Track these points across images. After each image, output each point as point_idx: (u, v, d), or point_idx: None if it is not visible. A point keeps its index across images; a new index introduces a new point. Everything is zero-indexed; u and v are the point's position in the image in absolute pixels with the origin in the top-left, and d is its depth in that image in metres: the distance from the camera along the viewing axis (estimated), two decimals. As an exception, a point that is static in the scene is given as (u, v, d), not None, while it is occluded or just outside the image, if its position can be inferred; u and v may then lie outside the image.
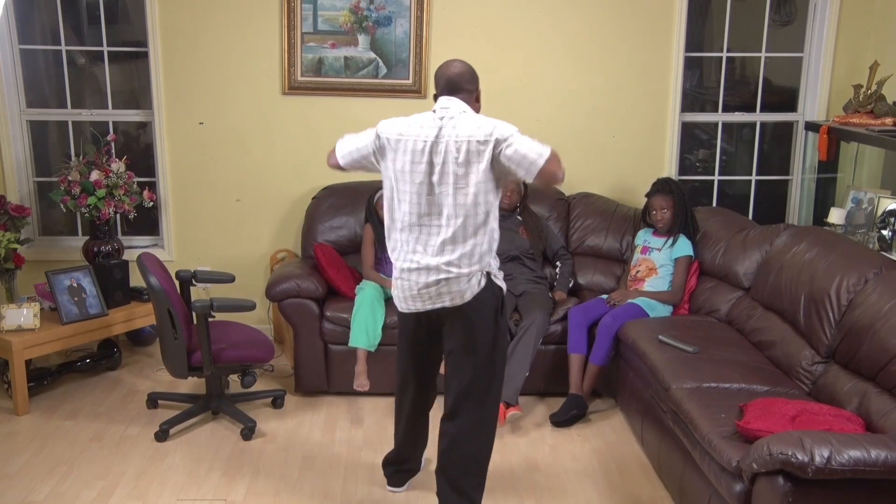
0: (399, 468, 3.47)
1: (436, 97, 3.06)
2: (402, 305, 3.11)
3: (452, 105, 2.97)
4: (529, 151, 2.82)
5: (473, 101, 3.05)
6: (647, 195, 4.45)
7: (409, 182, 2.95)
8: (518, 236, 4.54)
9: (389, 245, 3.08)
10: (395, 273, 3.07)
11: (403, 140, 2.97)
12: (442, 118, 2.94)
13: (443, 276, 2.94)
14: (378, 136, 3.06)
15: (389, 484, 3.48)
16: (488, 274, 3.01)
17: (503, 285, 3.12)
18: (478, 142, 2.86)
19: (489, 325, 3.03)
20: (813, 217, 4.96)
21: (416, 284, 2.99)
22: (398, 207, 3.01)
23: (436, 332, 3.12)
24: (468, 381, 3.04)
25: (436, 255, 2.95)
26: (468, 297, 2.97)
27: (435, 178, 2.92)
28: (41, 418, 4.05)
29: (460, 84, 3.01)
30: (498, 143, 2.84)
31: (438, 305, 3.00)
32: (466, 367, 3.04)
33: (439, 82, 3.04)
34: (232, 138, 4.89)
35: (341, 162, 3.21)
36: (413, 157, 2.94)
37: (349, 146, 3.18)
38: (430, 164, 2.92)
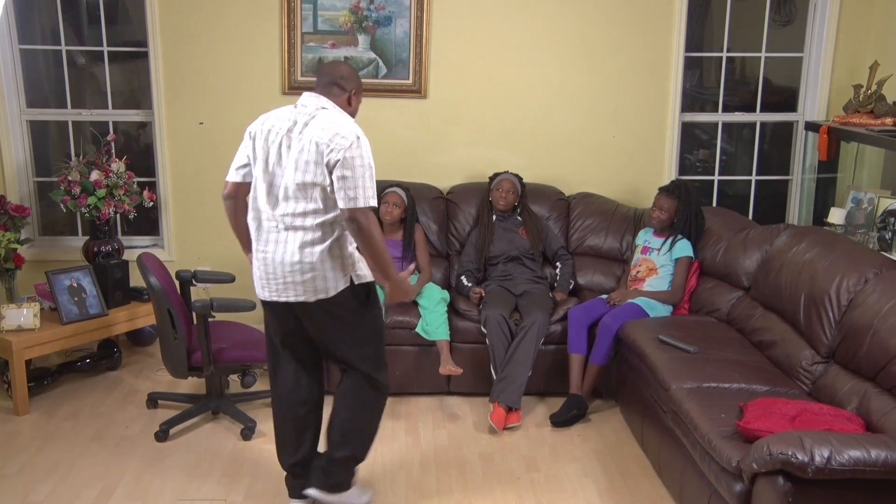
0: None
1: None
2: None
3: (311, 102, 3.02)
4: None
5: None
6: (659, 190, 4.44)
7: None
8: (518, 236, 4.54)
9: None
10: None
11: None
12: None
13: None
14: None
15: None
16: None
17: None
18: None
19: None
20: (813, 217, 4.96)
21: None
22: None
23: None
24: None
25: None
26: None
27: None
28: (41, 418, 4.05)
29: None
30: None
31: None
32: None
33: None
34: (232, 138, 4.85)
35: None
36: None
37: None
38: None
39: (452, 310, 4.33)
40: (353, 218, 2.86)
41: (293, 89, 4.80)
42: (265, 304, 3.12)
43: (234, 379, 4.27)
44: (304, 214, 2.92)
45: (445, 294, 4.37)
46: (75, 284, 4.27)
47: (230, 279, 4.14)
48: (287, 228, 2.94)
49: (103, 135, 4.86)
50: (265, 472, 3.60)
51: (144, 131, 5.13)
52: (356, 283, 3.03)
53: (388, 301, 3.15)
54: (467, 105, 4.91)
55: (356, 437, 3.22)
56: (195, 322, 3.73)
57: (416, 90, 4.84)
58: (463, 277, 4.47)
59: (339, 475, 3.22)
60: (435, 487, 3.51)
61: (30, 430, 3.94)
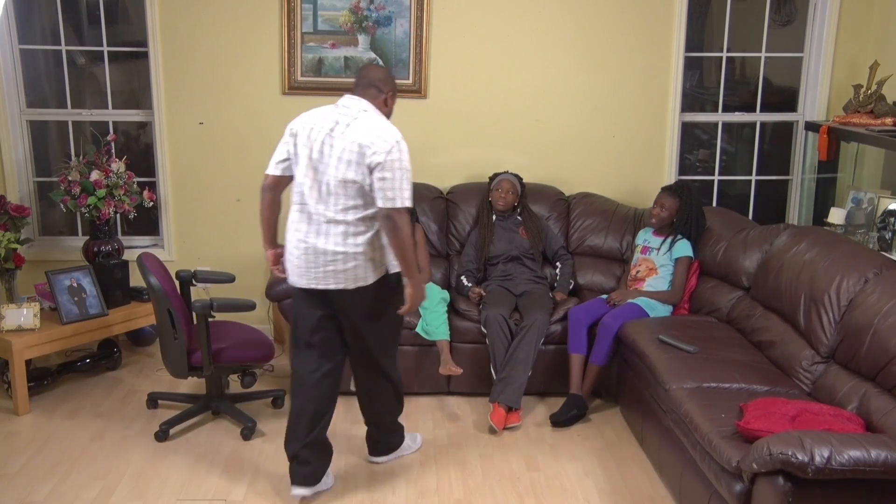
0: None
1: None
2: None
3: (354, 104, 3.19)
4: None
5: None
6: (662, 188, 4.46)
7: None
8: (518, 236, 4.54)
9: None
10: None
11: None
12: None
13: None
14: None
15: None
16: None
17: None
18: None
19: None
20: (813, 217, 4.96)
21: None
22: None
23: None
24: None
25: None
26: None
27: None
28: (41, 418, 4.05)
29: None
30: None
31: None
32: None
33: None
34: (232, 138, 4.88)
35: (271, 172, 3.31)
36: None
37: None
38: None
39: (452, 310, 4.33)
40: (390, 216, 3.05)
41: (293, 89, 4.80)
42: (300, 291, 3.29)
43: (234, 379, 4.27)
44: (346, 209, 3.11)
45: (445, 294, 4.37)
46: (75, 284, 4.27)
47: (230, 279, 4.14)
48: (329, 222, 3.12)
49: (103, 135, 4.87)
50: (265, 471, 3.60)
51: (144, 131, 5.13)
52: (390, 271, 3.25)
53: (407, 305, 3.29)
54: (467, 105, 4.91)
55: (388, 413, 3.62)
56: (195, 322, 3.73)
57: (416, 90, 4.83)
58: (463, 277, 4.47)
59: (391, 440, 3.68)
60: (435, 487, 3.51)
61: (30, 430, 3.94)
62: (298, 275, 3.22)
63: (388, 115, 3.25)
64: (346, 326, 3.31)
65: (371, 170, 3.04)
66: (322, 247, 3.13)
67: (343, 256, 3.12)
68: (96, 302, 4.31)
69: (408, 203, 3.08)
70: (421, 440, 3.84)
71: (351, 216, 3.11)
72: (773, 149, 5.34)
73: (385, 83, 3.24)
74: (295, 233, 3.20)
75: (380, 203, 3.05)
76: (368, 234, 3.14)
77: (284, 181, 3.29)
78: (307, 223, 3.16)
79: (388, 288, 3.26)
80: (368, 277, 3.17)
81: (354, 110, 3.15)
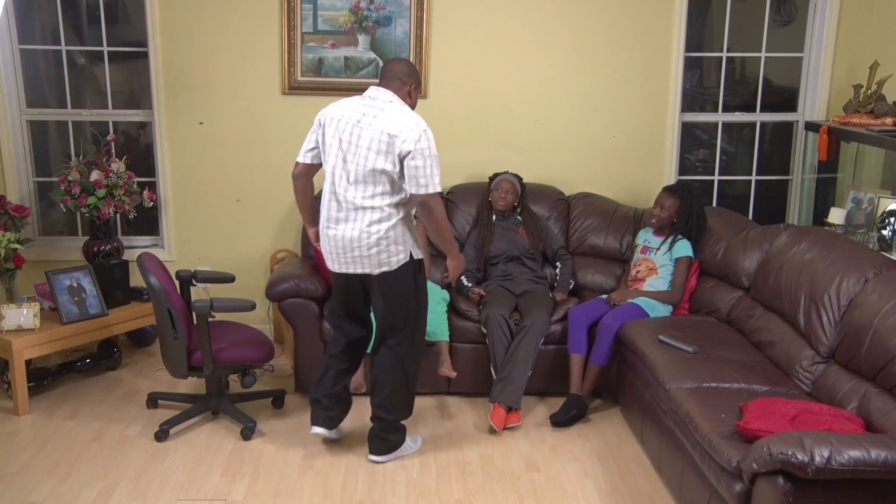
0: None
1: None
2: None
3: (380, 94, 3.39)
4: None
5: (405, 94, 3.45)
6: (663, 189, 4.46)
7: None
8: (518, 236, 4.54)
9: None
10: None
11: None
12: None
13: None
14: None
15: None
16: None
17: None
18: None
19: None
20: (813, 217, 4.96)
21: None
22: None
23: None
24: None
25: None
26: None
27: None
28: (41, 418, 4.05)
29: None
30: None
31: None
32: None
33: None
34: (232, 138, 4.89)
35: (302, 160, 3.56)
36: None
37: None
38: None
39: (452, 310, 4.33)
40: (424, 203, 3.28)
41: (293, 89, 4.80)
42: (334, 274, 3.55)
43: (234, 379, 4.27)
44: (373, 196, 3.30)
45: (445, 294, 4.37)
46: (75, 284, 4.27)
47: (230, 279, 4.14)
48: (356, 209, 3.32)
49: (103, 135, 4.87)
50: (265, 471, 3.60)
51: (144, 131, 5.13)
52: (414, 257, 3.44)
53: (451, 276, 3.60)
54: (467, 105, 4.91)
55: (399, 403, 3.65)
56: (195, 322, 3.73)
57: (416, 90, 4.83)
58: (463, 277, 4.47)
59: (392, 437, 3.67)
60: (435, 487, 3.51)
61: (30, 430, 3.94)
62: (330, 260, 3.48)
63: (412, 106, 3.43)
64: (375, 306, 3.54)
65: (401, 159, 3.21)
66: (349, 234, 3.34)
67: (367, 243, 3.32)
68: (96, 302, 4.32)
69: (439, 188, 3.27)
70: (421, 441, 3.84)
71: (378, 202, 3.30)
72: (773, 149, 5.34)
73: (408, 76, 3.44)
74: (325, 221, 3.42)
75: (412, 190, 3.25)
76: (393, 221, 3.33)
77: (314, 168, 3.53)
78: (336, 210, 3.36)
79: (411, 273, 3.45)
80: (392, 263, 3.38)
81: (381, 101, 3.34)
